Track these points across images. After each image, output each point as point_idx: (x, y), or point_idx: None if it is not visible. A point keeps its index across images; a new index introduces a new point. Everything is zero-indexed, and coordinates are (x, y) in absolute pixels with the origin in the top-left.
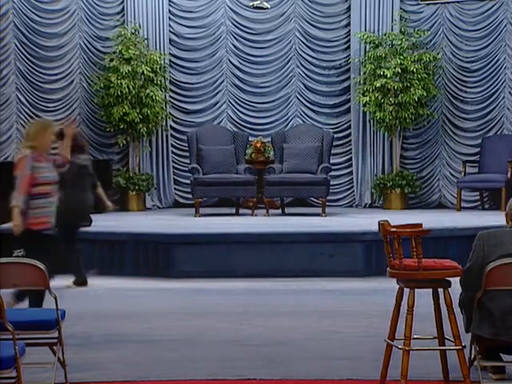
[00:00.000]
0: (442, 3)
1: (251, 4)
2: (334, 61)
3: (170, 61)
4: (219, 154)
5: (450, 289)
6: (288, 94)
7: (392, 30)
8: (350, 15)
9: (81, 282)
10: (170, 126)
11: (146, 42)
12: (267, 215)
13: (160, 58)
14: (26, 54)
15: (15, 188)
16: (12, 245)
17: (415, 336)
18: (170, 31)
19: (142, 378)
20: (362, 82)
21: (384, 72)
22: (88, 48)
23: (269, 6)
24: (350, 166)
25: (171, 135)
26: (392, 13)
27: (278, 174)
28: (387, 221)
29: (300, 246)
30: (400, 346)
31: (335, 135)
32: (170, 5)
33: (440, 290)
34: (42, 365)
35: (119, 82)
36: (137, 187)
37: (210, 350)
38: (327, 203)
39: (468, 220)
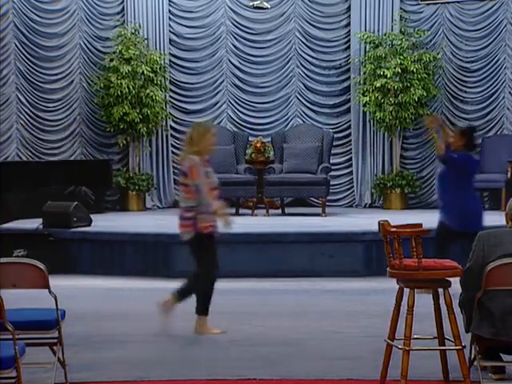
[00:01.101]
0: (442, 3)
1: (251, 4)
2: (334, 61)
3: (170, 61)
4: (219, 154)
5: (449, 289)
6: (288, 94)
7: (392, 30)
8: (350, 15)
9: None
10: (170, 125)
11: (145, 41)
12: (267, 215)
13: (160, 57)
14: (26, 53)
15: (200, 197)
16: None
17: (415, 336)
18: (170, 31)
19: (142, 378)
20: (361, 81)
21: (384, 72)
22: (88, 48)
23: (269, 6)
24: (350, 166)
25: (171, 135)
26: (392, 13)
27: (278, 174)
28: (387, 221)
29: (300, 245)
30: (400, 346)
31: (335, 135)
32: (170, 5)
33: (440, 290)
34: (41, 365)
35: (119, 82)
36: (137, 187)
37: (210, 349)
38: (327, 203)
39: None
